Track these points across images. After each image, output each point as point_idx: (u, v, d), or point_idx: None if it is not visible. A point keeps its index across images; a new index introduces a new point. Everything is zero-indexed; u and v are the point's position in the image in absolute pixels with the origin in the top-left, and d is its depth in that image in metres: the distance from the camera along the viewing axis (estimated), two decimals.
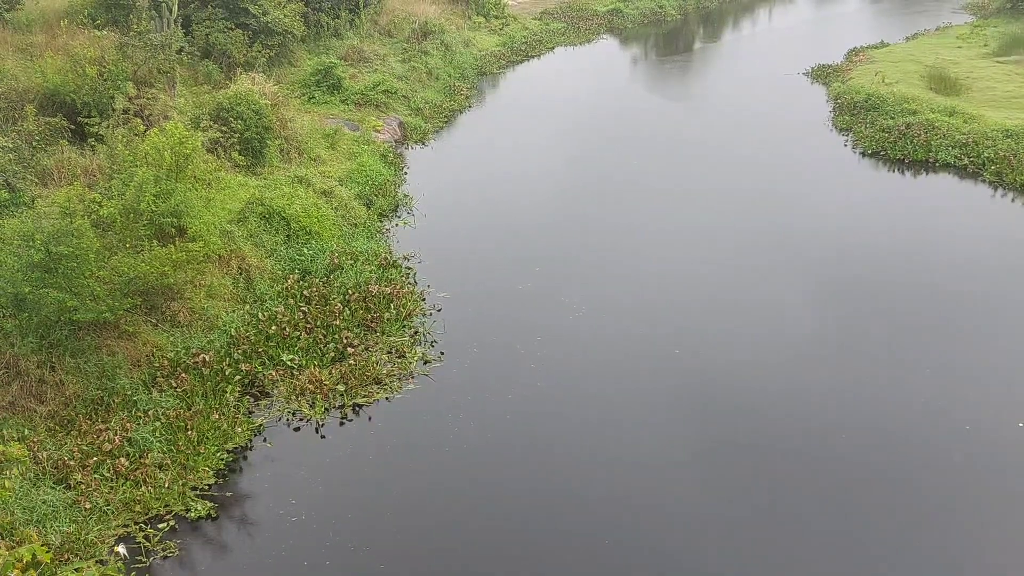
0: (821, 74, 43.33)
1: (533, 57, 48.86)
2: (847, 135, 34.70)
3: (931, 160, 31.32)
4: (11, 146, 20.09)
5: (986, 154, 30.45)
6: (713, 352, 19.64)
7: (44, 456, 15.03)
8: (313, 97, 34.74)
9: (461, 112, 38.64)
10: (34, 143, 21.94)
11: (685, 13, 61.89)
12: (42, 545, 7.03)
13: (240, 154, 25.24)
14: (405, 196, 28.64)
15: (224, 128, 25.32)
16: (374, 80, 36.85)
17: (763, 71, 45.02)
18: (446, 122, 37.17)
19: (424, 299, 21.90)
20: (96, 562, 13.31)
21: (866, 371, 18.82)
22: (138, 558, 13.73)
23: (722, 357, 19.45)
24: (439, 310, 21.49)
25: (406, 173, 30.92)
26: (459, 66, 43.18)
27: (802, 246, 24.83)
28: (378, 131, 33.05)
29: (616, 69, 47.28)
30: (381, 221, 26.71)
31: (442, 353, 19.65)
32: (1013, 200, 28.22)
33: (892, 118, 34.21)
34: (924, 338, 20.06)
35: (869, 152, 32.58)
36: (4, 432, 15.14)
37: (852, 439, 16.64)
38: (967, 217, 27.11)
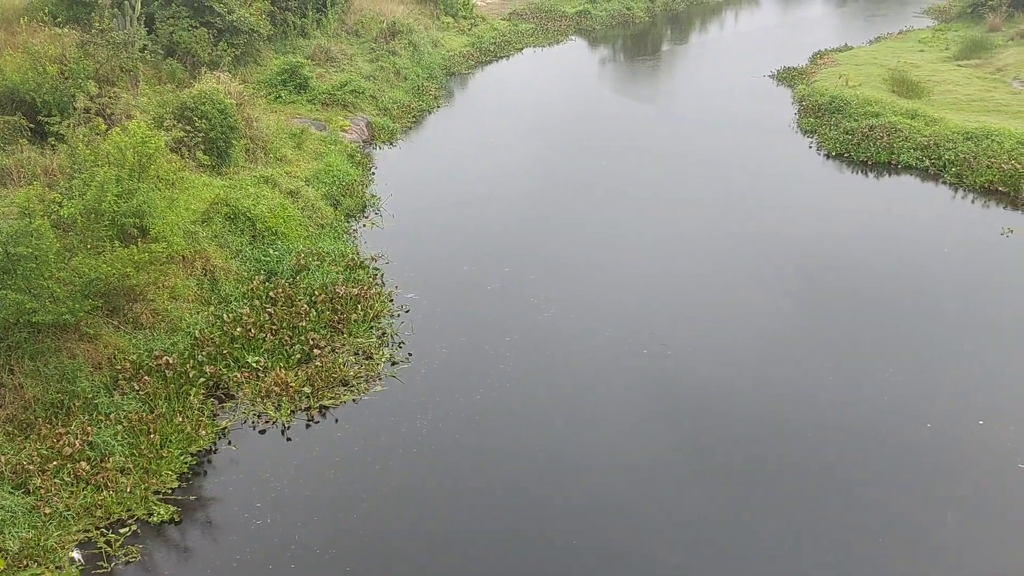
0: (787, 77, 43.77)
1: (502, 58, 48.88)
2: (812, 137, 35.10)
3: (894, 162, 31.77)
4: None
5: (947, 156, 30.93)
6: (681, 353, 19.75)
7: (2, 461, 14.74)
8: (279, 96, 34.47)
9: (430, 112, 38.55)
10: None
11: (653, 15, 62.27)
12: None
13: (205, 154, 24.94)
14: (373, 196, 28.50)
15: (188, 127, 25.01)
16: (341, 80, 36.64)
17: (730, 73, 45.42)
18: (414, 122, 37.06)
19: (392, 300, 21.80)
20: (55, 567, 13.06)
21: (831, 370, 19.03)
22: (99, 564, 13.49)
23: (689, 357, 19.57)
24: (407, 311, 21.41)
25: (374, 173, 30.78)
26: (427, 66, 43.07)
27: (767, 248, 25.06)
28: (345, 131, 32.86)
29: (584, 70, 47.43)
30: (348, 222, 26.55)
31: (410, 354, 19.57)
32: (973, 201, 28.69)
33: (856, 120, 34.65)
34: (887, 335, 20.33)
35: (834, 154, 32.96)
36: None
37: (819, 436, 16.81)
38: (929, 218, 27.54)
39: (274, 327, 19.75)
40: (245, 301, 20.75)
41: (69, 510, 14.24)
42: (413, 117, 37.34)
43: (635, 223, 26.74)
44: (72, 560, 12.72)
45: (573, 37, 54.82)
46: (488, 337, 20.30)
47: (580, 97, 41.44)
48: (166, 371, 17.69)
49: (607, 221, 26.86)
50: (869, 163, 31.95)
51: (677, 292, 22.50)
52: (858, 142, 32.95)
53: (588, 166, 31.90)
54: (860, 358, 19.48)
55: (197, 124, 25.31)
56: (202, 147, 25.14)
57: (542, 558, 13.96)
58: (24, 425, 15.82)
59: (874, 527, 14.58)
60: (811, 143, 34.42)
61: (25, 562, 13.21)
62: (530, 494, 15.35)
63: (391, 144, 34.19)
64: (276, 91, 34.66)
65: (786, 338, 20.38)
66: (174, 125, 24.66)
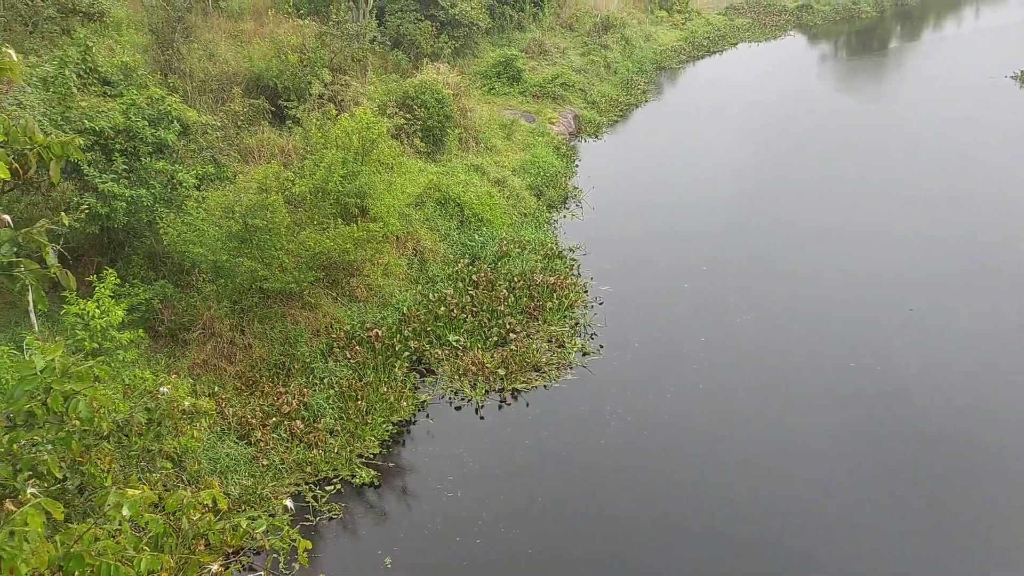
0: None
1: (715, 53, 47.91)
2: None
3: None
4: (219, 124, 21.81)
5: None
6: (896, 369, 18.71)
7: (230, 412, 16.33)
8: (493, 88, 35.59)
9: (637, 107, 38.47)
10: (239, 123, 23.72)
11: (882, 10, 58.77)
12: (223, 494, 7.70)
13: (422, 141, 26.29)
14: (575, 188, 28.89)
15: (408, 115, 26.42)
16: (552, 73, 37.31)
17: (966, 73, 42.18)
18: (621, 116, 37.13)
19: (587, 291, 22.08)
20: (269, 514, 14.38)
21: None
22: (306, 516, 14.71)
23: (906, 374, 18.50)
24: (601, 303, 21.62)
25: (577, 165, 31.17)
26: (638, 60, 42.99)
27: (1001, 257, 23.18)
28: (553, 123, 33.47)
29: (803, 67, 45.59)
30: (550, 212, 27.09)
31: (601, 346, 19.78)
32: None
33: None
34: None
35: None
36: (198, 387, 16.55)
37: None
38: None
39: (474, 309, 20.57)
40: (450, 283, 21.73)
41: (283, 463, 15.59)
42: (620, 111, 37.44)
43: (851, 230, 25.51)
44: (286, 508, 13.92)
45: (792, 33, 52.80)
46: (682, 336, 20.15)
47: (797, 94, 39.90)
48: (375, 343, 18.89)
49: (819, 227, 25.82)
50: None
51: (895, 303, 21.28)
52: None
53: (800, 168, 30.75)
54: None
55: (416, 112, 26.70)
56: (420, 134, 26.50)
57: (720, 559, 13.80)
58: (250, 382, 17.43)
59: None
60: None
61: (243, 506, 14.62)
62: (715, 500, 15.17)
63: (596, 137, 34.47)
64: (490, 82, 35.82)
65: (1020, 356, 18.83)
66: (396, 112, 26.15)
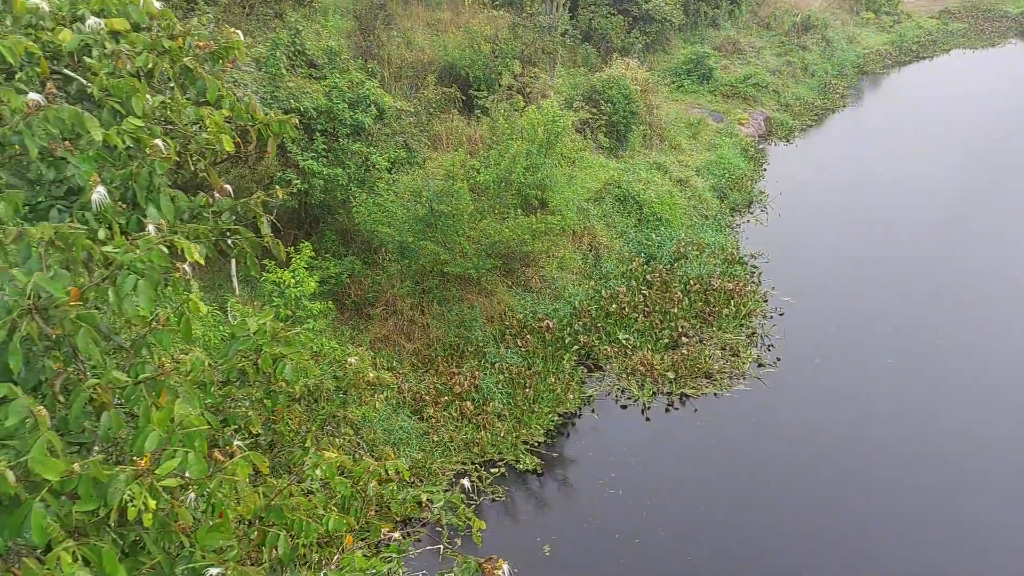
0: None
1: (924, 58, 44.96)
2: None
3: None
4: (412, 111, 22.64)
5: None
6: None
7: (405, 388, 16.98)
8: (682, 85, 35.00)
9: (834, 111, 36.71)
10: (431, 110, 24.53)
11: None
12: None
13: (605, 136, 26.25)
14: (761, 192, 27.97)
15: (594, 110, 26.44)
16: (745, 72, 36.24)
17: None
18: (815, 121, 35.56)
19: (766, 301, 21.35)
20: (442, 490, 14.85)
21: None
22: (471, 496, 15.09)
23: None
24: (781, 314, 20.84)
25: (765, 169, 30.13)
26: (838, 63, 40.99)
27: None
28: (742, 124, 32.53)
29: None
30: (732, 215, 26.37)
31: (778, 359, 19.08)
32: None
33: None
34: None
35: None
36: (377, 360, 17.30)
37: None
38: None
39: (646, 309, 20.35)
40: (623, 280, 21.60)
41: (452, 441, 16.06)
42: (815, 115, 35.86)
43: None
44: (463, 487, 14.36)
45: (1013, 40, 48.73)
46: (868, 356, 19.10)
47: (1017, 110, 36.79)
48: (545, 334, 19.07)
49: None
50: None
51: None
52: None
53: (1017, 189, 28.37)
54: None
55: (602, 107, 26.67)
56: (604, 129, 26.47)
57: None
58: (426, 360, 18.04)
59: None
60: None
61: (412, 479, 15.18)
62: (884, 540, 14.32)
63: (787, 141, 33.19)
64: (679, 80, 35.24)
65: None
66: (582, 106, 26.24)
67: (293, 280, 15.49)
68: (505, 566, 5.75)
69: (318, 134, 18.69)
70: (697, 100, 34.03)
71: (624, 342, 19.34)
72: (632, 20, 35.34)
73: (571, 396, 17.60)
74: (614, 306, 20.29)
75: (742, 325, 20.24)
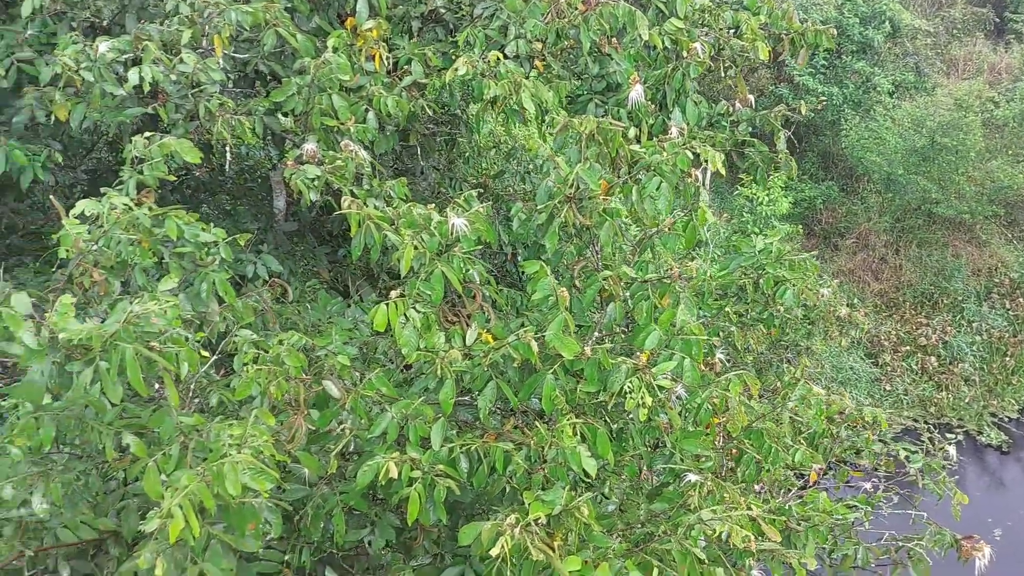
0: None
1: None
2: None
3: None
4: (931, 31, 20.34)
5: None
6: None
7: (865, 329, 15.96)
8: None
9: None
10: (953, 31, 21.84)
11: None
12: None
13: None
14: None
15: None
16: None
17: None
18: None
19: None
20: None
21: None
22: (952, 464, 13.93)
23: None
24: None
25: None
26: None
27: None
28: None
29: None
30: None
31: None
32: None
33: None
34: None
35: None
36: (837, 295, 16.44)
37: None
38: None
39: None
40: None
41: (906, 395, 14.90)
42: None
43: None
44: (947, 454, 13.30)
45: None
46: None
47: None
48: None
49: None
50: None
51: None
52: None
53: None
54: None
55: None
56: None
57: None
58: (891, 303, 16.73)
59: None
60: None
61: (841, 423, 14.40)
62: None
63: None
64: None
65: None
66: None
67: (767, 198, 15.18)
68: (987, 549, 5.18)
69: (820, 48, 17.69)
70: None
71: None
72: None
73: None
74: None
75: None
